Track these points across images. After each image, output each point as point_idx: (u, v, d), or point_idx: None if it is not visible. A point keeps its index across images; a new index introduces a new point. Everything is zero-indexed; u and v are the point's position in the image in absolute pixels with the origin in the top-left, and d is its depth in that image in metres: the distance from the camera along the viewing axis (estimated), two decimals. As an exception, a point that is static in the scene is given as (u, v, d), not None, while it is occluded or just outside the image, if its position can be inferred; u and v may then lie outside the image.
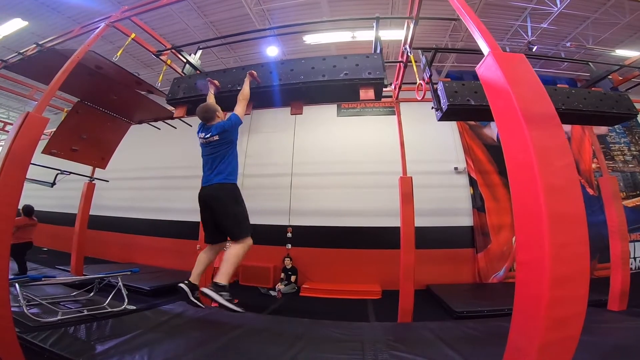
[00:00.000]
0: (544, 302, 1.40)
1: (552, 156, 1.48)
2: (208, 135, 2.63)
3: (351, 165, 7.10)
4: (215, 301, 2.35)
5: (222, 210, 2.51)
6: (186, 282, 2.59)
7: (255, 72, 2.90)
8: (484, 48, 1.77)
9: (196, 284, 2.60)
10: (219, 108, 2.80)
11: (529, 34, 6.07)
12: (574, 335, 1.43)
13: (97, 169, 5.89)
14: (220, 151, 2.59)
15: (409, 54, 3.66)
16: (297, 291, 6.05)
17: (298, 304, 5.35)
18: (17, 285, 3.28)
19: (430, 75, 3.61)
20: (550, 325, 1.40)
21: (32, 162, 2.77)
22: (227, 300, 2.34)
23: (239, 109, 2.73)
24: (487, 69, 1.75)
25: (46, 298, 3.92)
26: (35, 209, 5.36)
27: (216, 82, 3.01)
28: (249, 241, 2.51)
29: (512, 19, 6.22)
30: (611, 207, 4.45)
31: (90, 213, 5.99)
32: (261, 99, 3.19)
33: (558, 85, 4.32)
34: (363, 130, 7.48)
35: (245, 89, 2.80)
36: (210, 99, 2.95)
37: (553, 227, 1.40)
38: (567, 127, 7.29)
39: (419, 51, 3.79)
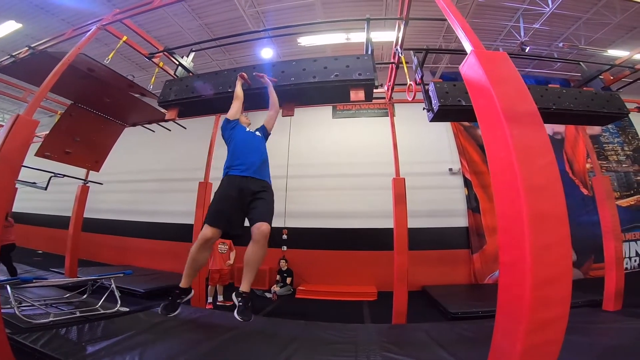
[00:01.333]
0: (525, 305, 1.37)
1: (533, 155, 1.46)
2: None
3: (347, 167, 7.12)
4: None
5: None
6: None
7: (245, 75, 2.92)
8: (467, 46, 1.76)
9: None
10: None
11: (522, 34, 6.11)
12: (557, 338, 1.40)
13: (91, 171, 5.87)
14: None
15: (400, 55, 3.67)
16: (293, 293, 6.03)
17: (293, 306, 5.34)
18: (8, 287, 3.26)
19: (422, 76, 3.62)
20: (532, 328, 1.37)
21: (25, 165, 2.78)
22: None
23: (230, 110, 2.80)
24: (470, 68, 1.74)
25: (39, 300, 3.90)
26: (30, 212, 5.35)
27: (244, 75, 2.95)
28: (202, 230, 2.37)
29: (505, 20, 6.27)
30: (604, 207, 4.45)
31: (85, 216, 5.97)
32: (253, 101, 3.19)
33: (549, 86, 4.34)
34: (358, 131, 7.50)
35: (237, 90, 2.85)
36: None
37: (534, 227, 1.38)
38: (561, 128, 7.33)
39: (411, 52, 3.81)
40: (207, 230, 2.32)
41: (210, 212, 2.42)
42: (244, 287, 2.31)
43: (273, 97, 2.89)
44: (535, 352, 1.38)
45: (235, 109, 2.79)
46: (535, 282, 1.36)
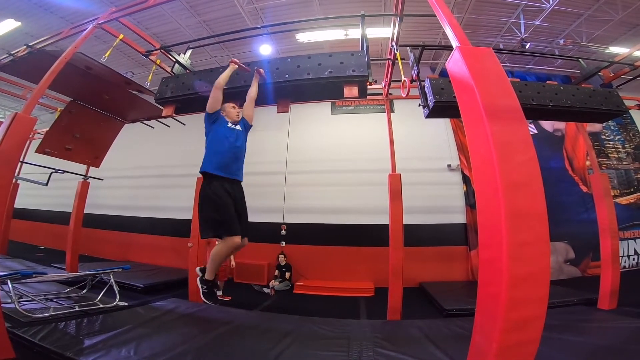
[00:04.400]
0: (502, 303, 1.35)
1: (513, 151, 1.45)
2: None
3: (345, 163, 7.11)
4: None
5: None
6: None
7: (238, 60, 2.87)
8: (453, 42, 1.76)
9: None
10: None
11: (522, 31, 6.05)
12: (534, 338, 1.38)
13: (91, 167, 5.93)
14: None
15: (395, 51, 3.67)
16: (291, 288, 6.08)
17: (291, 301, 5.38)
18: (8, 281, 3.33)
19: (418, 72, 3.61)
20: (509, 327, 1.35)
21: (27, 161, 2.83)
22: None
23: (208, 101, 2.67)
24: (454, 64, 1.73)
25: (39, 295, 3.97)
26: (32, 208, 5.41)
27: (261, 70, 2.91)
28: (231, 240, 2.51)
29: (506, 16, 6.21)
30: (602, 205, 4.42)
31: (87, 212, 6.03)
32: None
33: (547, 82, 4.31)
34: (357, 128, 7.47)
35: (222, 76, 2.70)
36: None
37: (511, 224, 1.36)
38: (561, 125, 7.28)
39: (408, 48, 3.79)
40: (237, 239, 2.46)
41: (226, 221, 2.44)
42: (209, 275, 2.63)
43: (255, 89, 2.87)
44: (512, 351, 1.37)
45: (213, 99, 2.63)
46: (511, 280, 1.34)
